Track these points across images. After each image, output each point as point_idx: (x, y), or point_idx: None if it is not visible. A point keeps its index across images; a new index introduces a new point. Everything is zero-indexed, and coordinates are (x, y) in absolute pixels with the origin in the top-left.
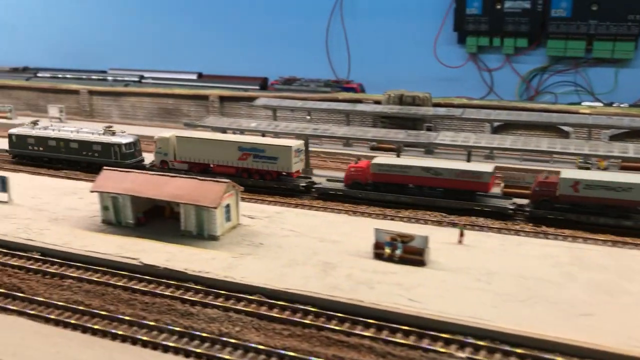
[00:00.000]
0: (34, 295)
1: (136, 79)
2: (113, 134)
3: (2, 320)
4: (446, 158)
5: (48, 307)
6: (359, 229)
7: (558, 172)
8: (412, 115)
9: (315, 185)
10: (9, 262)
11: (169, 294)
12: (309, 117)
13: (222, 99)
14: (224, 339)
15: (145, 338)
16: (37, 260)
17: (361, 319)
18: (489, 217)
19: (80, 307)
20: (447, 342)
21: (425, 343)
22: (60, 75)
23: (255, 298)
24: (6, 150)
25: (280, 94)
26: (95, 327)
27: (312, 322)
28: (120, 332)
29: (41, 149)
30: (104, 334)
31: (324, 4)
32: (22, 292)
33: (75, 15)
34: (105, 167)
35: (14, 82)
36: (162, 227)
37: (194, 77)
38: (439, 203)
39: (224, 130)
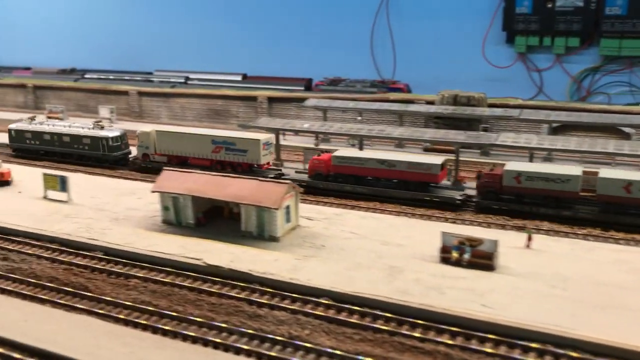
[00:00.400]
0: (101, 294)
1: (182, 80)
2: (102, 128)
3: (73, 319)
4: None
5: (116, 307)
6: (421, 232)
7: (503, 165)
8: (467, 116)
9: (283, 177)
10: (73, 261)
11: (235, 295)
12: (359, 118)
13: (271, 100)
14: (295, 342)
15: (216, 340)
16: (100, 259)
17: (433, 324)
18: (438, 207)
19: (149, 308)
20: (525, 350)
21: (502, 351)
22: (108, 77)
23: (323, 301)
24: (7, 144)
25: (328, 94)
26: (166, 327)
27: (384, 327)
28: (191, 334)
29: (37, 142)
30: (174, 334)
31: (369, 5)
32: (89, 292)
33: (122, 17)
34: (165, 168)
35: (64, 84)
36: (222, 227)
37: (239, 78)
38: (393, 194)
39: (277, 132)
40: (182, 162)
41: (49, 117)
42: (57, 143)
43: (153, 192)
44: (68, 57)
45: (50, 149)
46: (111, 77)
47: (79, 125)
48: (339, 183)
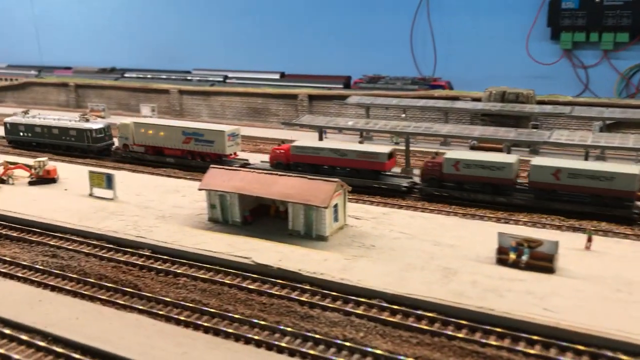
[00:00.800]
0: (151, 293)
1: (220, 79)
2: (87, 120)
3: (125, 317)
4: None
5: (167, 306)
6: (473, 232)
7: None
8: (516, 113)
9: (248, 166)
10: (121, 258)
11: (286, 295)
12: (404, 115)
13: (311, 97)
14: (350, 344)
15: (269, 340)
16: (148, 257)
17: (493, 328)
18: (387, 195)
19: (199, 307)
20: (594, 357)
21: (569, 357)
22: (147, 76)
23: (376, 302)
24: (2, 137)
25: (369, 92)
26: (218, 327)
27: (441, 331)
28: (243, 334)
29: (30, 134)
30: (226, 335)
31: (409, 1)
32: (138, 290)
33: (161, 17)
34: (212, 166)
35: (105, 82)
36: (269, 226)
37: (277, 76)
38: (345, 181)
39: (320, 130)
40: (157, 152)
41: (90, 116)
42: (47, 135)
43: (200, 190)
44: (108, 57)
45: (41, 141)
46: (150, 76)
47: (66, 119)
48: (298, 171)
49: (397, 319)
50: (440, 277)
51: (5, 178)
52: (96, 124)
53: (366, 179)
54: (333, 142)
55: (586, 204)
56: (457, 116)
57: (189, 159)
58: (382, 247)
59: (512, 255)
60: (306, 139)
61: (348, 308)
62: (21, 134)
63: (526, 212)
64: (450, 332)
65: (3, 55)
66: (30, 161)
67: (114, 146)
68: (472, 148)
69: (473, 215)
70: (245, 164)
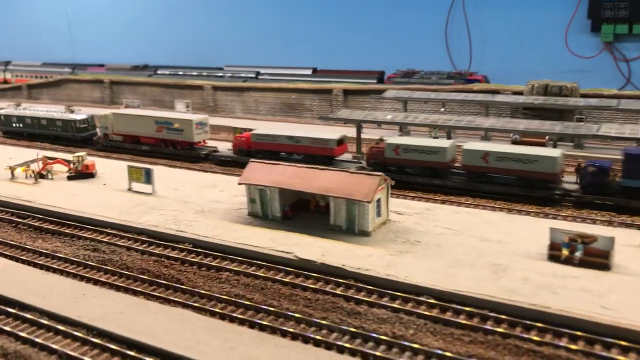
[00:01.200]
0: (194, 287)
1: (252, 75)
2: (72, 112)
3: (169, 312)
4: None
5: (210, 300)
6: (521, 228)
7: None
8: (560, 106)
9: (214, 153)
10: (163, 252)
11: (330, 290)
12: (442, 109)
13: (346, 92)
14: (400, 342)
15: (316, 337)
16: (189, 252)
17: (549, 326)
18: None
19: (243, 301)
20: None
21: (633, 358)
22: (178, 72)
23: (424, 299)
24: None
25: (404, 86)
26: (263, 322)
27: (494, 328)
28: (290, 329)
29: (21, 125)
30: (272, 330)
31: None
32: (181, 284)
33: (192, 14)
34: (252, 160)
35: (139, 79)
36: (309, 220)
37: (309, 72)
38: None
39: (358, 124)
40: (134, 140)
41: None
42: (36, 126)
43: (240, 184)
44: (140, 54)
45: (31, 131)
46: (182, 72)
47: (54, 111)
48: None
49: (447, 316)
50: (489, 273)
51: (44, 173)
52: (80, 115)
53: (319, 164)
54: (289, 129)
55: (513, 185)
56: (497, 110)
57: (162, 146)
58: (427, 243)
59: (565, 252)
60: (265, 127)
61: (395, 305)
62: (14, 125)
63: (574, 208)
64: (503, 330)
65: (38, 54)
66: (68, 156)
67: (95, 136)
68: (514, 143)
69: (519, 211)
70: (213, 151)
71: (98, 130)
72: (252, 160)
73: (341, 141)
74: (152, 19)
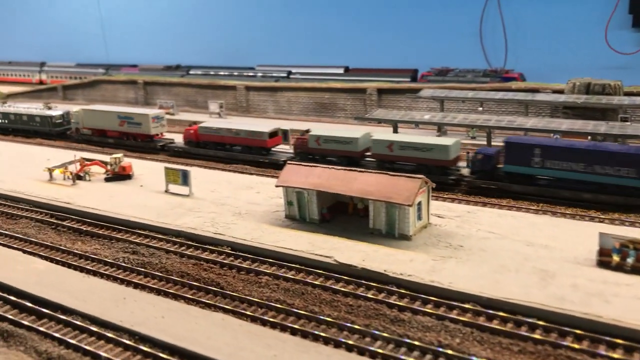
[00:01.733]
0: (234, 291)
1: (284, 75)
2: (49, 108)
3: (211, 317)
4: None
5: (251, 305)
6: (568, 232)
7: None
8: (604, 105)
9: (169, 145)
10: (201, 255)
11: (372, 296)
12: (480, 108)
13: (380, 91)
14: (447, 351)
15: (360, 345)
16: (228, 255)
17: (602, 337)
18: (273, 168)
19: (284, 307)
20: None
21: None
22: (209, 72)
23: (470, 307)
24: None
25: (439, 85)
26: (305, 329)
27: (545, 338)
28: (332, 337)
29: (6, 121)
30: (315, 337)
31: None
32: (221, 288)
33: (224, 14)
34: (289, 162)
35: (173, 79)
36: (348, 224)
37: (341, 71)
38: (238, 156)
39: (395, 124)
40: (101, 134)
41: None
42: (19, 122)
43: (277, 186)
44: (172, 54)
45: (14, 127)
46: (213, 72)
47: (34, 107)
48: (206, 149)
49: (494, 324)
50: (537, 280)
51: (82, 174)
52: (56, 112)
53: (255, 155)
54: (233, 122)
55: (415, 171)
56: (536, 109)
57: (124, 139)
58: (470, 248)
59: (616, 258)
60: (211, 121)
61: (440, 312)
62: (0, 121)
63: (622, 212)
64: (554, 340)
65: (72, 55)
66: (106, 158)
67: (69, 130)
68: None
69: (563, 214)
70: (169, 143)
71: (72, 125)
72: (289, 162)
73: (274, 134)
74: (184, 19)
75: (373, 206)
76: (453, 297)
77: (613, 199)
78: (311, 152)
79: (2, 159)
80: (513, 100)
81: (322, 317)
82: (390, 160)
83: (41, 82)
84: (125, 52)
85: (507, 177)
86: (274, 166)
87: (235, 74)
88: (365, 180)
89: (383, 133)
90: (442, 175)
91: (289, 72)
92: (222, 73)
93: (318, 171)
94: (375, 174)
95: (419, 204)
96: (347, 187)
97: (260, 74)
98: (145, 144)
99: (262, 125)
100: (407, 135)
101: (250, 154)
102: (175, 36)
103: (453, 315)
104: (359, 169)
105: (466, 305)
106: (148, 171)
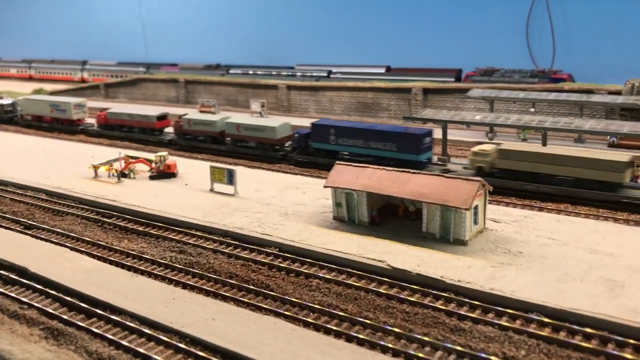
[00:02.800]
0: (284, 294)
1: (324, 74)
2: (1, 98)
3: (262, 320)
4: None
5: (302, 309)
6: (633, 240)
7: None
8: None
9: (89, 128)
10: (249, 256)
11: (429, 303)
12: (532, 109)
13: (426, 91)
14: None
15: (420, 354)
16: (276, 256)
17: None
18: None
19: (337, 312)
20: None
21: None
22: (249, 72)
23: (534, 317)
24: None
25: (485, 85)
26: (361, 336)
27: (619, 353)
28: (390, 345)
29: None
30: (371, 345)
31: None
32: (271, 290)
33: (263, 14)
34: (338, 162)
35: (214, 78)
36: (398, 227)
37: (382, 70)
38: (136, 136)
39: (444, 124)
40: (39, 119)
41: (201, 111)
42: None
43: (325, 187)
44: (212, 53)
45: None
46: (253, 72)
47: None
48: (113, 131)
49: (562, 336)
50: (604, 290)
51: (126, 172)
52: (6, 101)
53: (147, 135)
54: (137, 109)
55: (256, 148)
56: (590, 111)
57: (55, 124)
58: (530, 255)
59: None
60: (116, 107)
61: (503, 322)
62: None
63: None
64: (629, 356)
65: (113, 53)
66: (150, 155)
67: (16, 117)
68: (611, 145)
69: (626, 220)
70: (89, 126)
71: (18, 112)
72: (338, 162)
73: (162, 117)
74: (224, 18)
75: (427, 209)
76: (515, 306)
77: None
78: (185, 132)
79: (43, 156)
80: (567, 101)
81: (378, 325)
82: (239, 139)
83: (83, 80)
84: (164, 51)
85: (316, 152)
86: (162, 144)
87: (275, 73)
88: (419, 182)
89: (249, 118)
90: (272, 152)
91: (329, 72)
92: (262, 72)
93: (369, 172)
94: (430, 175)
95: (476, 207)
96: (399, 188)
97: (299, 74)
98: (68, 127)
99: (153, 110)
100: (249, 119)
101: (143, 134)
102: (215, 35)
103: (516, 325)
104: (412, 171)
105: (530, 316)
106: (192, 170)
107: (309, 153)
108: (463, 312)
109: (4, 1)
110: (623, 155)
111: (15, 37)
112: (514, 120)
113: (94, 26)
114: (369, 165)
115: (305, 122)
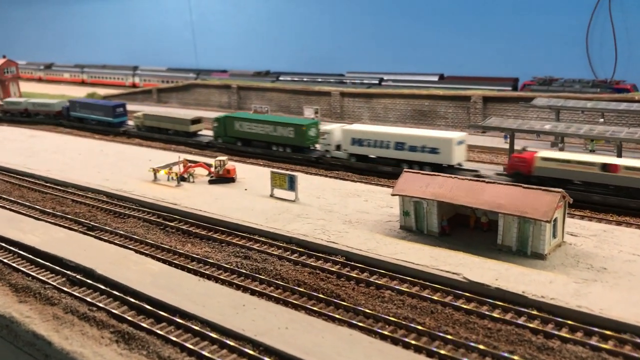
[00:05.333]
0: (356, 305)
1: (376, 82)
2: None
3: (337, 331)
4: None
5: (377, 321)
6: None
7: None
8: None
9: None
10: (315, 264)
11: (512, 320)
12: (602, 120)
13: (486, 99)
14: None
15: None
16: (343, 264)
17: None
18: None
19: (414, 326)
20: None
21: None
22: (302, 79)
23: (627, 337)
24: None
25: (544, 95)
26: (442, 352)
27: None
28: None
29: None
30: None
31: None
32: (342, 300)
33: (313, 21)
34: (406, 170)
35: (267, 85)
36: (470, 238)
37: (435, 78)
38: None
39: (512, 132)
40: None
41: None
42: None
43: (393, 195)
44: (261, 60)
45: None
46: (305, 79)
47: None
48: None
49: None
50: None
51: (186, 176)
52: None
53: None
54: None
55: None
56: None
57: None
58: (616, 271)
59: None
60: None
61: (594, 342)
62: None
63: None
64: None
65: (162, 59)
66: (207, 160)
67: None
68: None
69: None
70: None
71: None
72: (406, 170)
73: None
74: (273, 26)
75: (503, 220)
76: (605, 325)
77: None
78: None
79: (100, 158)
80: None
81: (460, 340)
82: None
83: (134, 85)
84: (213, 58)
85: (75, 120)
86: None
87: (326, 80)
88: (494, 192)
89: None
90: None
91: (381, 79)
92: (313, 79)
93: (440, 180)
94: (506, 185)
95: (555, 220)
96: (473, 198)
97: (350, 81)
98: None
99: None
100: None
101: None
102: (264, 43)
103: (609, 346)
104: (486, 180)
105: (624, 336)
106: (252, 175)
107: (71, 120)
108: (549, 330)
109: (58, 8)
110: None
111: (69, 43)
112: (587, 131)
113: (145, 32)
114: (440, 174)
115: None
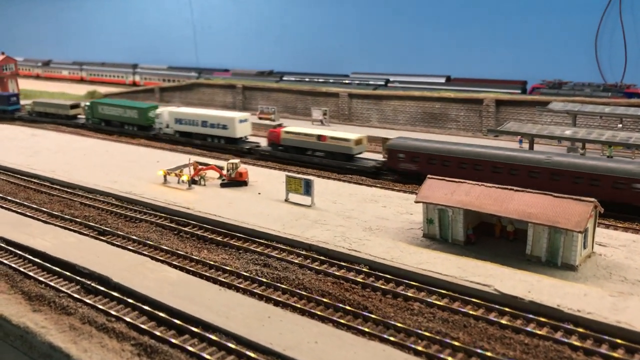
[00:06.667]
0: (384, 317)
1: (381, 83)
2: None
3: (369, 347)
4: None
5: (409, 335)
6: None
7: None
8: None
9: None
10: (338, 273)
11: (549, 335)
12: (620, 125)
13: (499, 102)
14: None
15: None
16: (367, 274)
17: None
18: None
19: (448, 340)
20: None
21: None
22: (305, 79)
23: None
24: None
25: (553, 98)
26: None
27: None
28: None
29: None
30: None
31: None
32: (370, 313)
33: (316, 21)
34: (430, 176)
35: (273, 85)
36: (497, 248)
37: (442, 80)
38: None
39: (531, 138)
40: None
41: (261, 118)
42: None
43: (417, 202)
44: (263, 60)
45: None
46: (307, 79)
47: None
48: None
49: None
50: None
51: (196, 178)
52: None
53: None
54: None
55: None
56: None
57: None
58: None
59: None
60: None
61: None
62: None
63: None
64: None
65: (162, 58)
66: (218, 162)
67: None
68: None
69: None
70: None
71: None
72: (430, 176)
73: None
74: (275, 25)
75: (533, 230)
76: None
77: None
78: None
79: (106, 159)
80: None
81: (497, 357)
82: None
83: (134, 84)
84: (214, 56)
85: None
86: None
87: (331, 81)
88: (523, 201)
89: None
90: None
91: (387, 81)
92: (316, 80)
93: (466, 187)
94: (535, 194)
95: (586, 230)
96: (501, 207)
97: (355, 82)
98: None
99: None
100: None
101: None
102: (266, 42)
103: None
104: (515, 188)
105: None
106: (263, 178)
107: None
108: (587, 347)
109: (56, 5)
110: None
111: (67, 39)
112: (609, 137)
113: (145, 29)
114: (466, 181)
115: (365, 132)
